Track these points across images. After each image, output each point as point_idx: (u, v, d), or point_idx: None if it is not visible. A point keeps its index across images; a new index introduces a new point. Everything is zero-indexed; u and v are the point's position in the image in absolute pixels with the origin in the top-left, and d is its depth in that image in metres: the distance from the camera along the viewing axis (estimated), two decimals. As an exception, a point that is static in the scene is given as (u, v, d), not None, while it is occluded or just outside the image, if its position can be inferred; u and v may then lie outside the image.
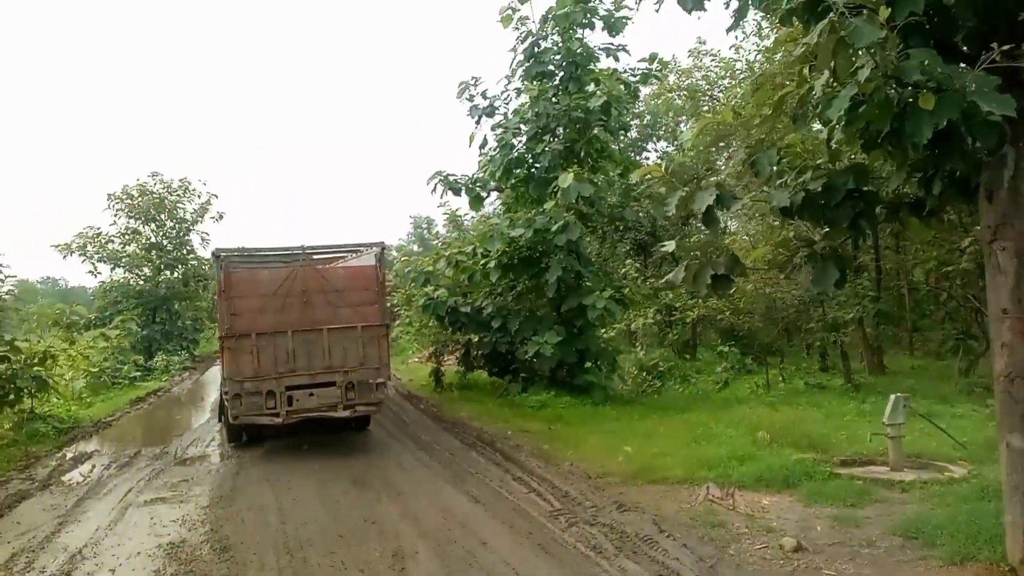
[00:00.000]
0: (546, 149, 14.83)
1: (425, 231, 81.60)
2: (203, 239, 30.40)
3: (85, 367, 18.73)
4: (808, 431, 10.50)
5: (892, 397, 8.53)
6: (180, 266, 29.59)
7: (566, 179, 13.46)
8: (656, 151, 30.85)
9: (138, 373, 21.12)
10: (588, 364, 15.56)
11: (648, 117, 31.02)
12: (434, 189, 16.47)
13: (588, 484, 8.50)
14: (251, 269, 11.60)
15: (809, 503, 7.40)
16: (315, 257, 11.75)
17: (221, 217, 30.51)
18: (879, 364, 19.68)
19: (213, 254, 11.21)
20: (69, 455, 11.38)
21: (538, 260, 15.39)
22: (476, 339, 16.71)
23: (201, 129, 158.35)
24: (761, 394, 17.57)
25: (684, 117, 29.83)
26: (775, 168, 5.32)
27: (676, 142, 29.78)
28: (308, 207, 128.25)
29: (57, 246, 26.94)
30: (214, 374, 23.14)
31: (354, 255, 12.17)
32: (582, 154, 15.41)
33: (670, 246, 6.28)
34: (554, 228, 13.94)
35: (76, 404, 16.23)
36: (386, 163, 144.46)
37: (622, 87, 15.43)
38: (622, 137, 18.43)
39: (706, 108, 27.13)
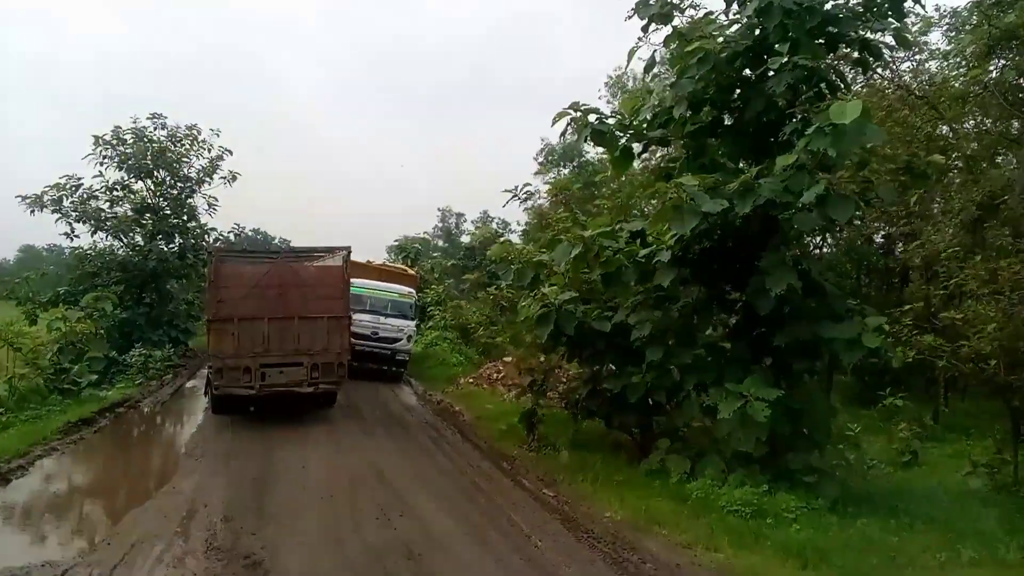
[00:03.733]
0: (782, 68, 8.66)
1: (453, 225, 76.27)
2: (210, 204, 24.41)
3: (16, 366, 12.81)
4: None
5: None
6: (178, 235, 23.62)
7: (843, 111, 7.38)
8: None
9: (95, 376, 15.07)
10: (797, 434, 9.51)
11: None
12: (563, 133, 10.53)
13: None
14: (237, 263, 13.15)
15: None
16: (291, 257, 13.99)
17: (234, 179, 24.38)
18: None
19: (206, 250, 14.64)
20: None
21: (735, 255, 9.39)
22: (610, 372, 10.68)
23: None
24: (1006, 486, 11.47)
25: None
26: None
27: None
28: (327, 198, 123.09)
29: (25, 197, 21.06)
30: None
31: (327, 256, 13.67)
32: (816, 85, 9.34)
33: None
34: (805, 198, 7.88)
35: (-23, 429, 10.34)
36: (412, 156, 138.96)
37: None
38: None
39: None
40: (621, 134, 10.36)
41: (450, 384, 20.58)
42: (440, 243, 69.47)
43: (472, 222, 73.80)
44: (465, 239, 71.87)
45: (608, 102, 31.56)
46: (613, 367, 10.55)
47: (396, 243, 54.79)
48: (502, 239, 11.44)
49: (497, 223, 67.95)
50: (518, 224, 51.20)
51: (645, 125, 10.38)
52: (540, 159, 40.94)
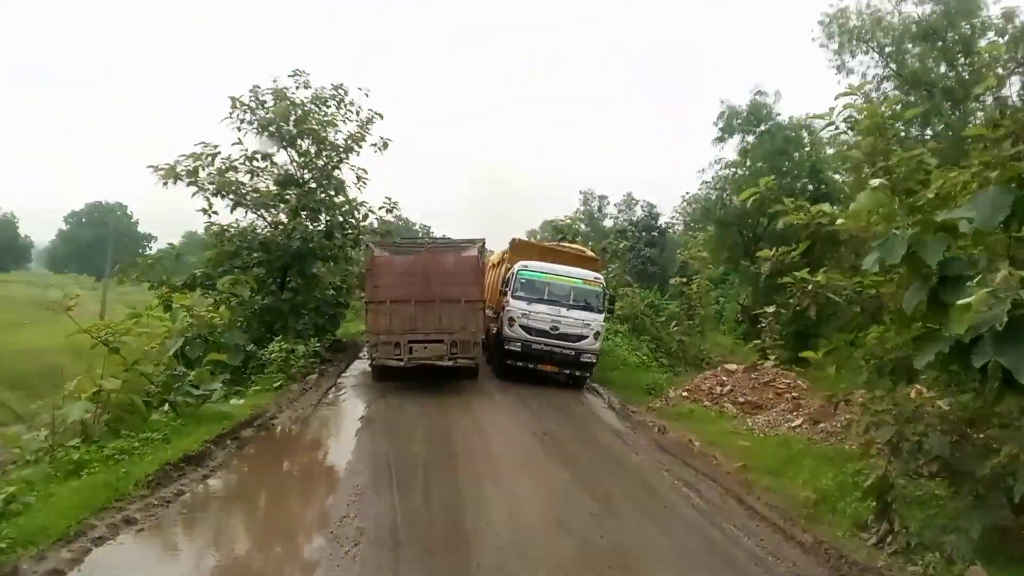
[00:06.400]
0: None
1: (595, 208, 71.47)
2: (359, 177, 20.93)
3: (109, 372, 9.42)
4: None
5: None
6: (324, 212, 20.35)
7: None
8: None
9: (218, 385, 11.64)
10: None
11: None
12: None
13: None
14: (389, 253, 14.91)
15: None
16: (434, 247, 16.11)
17: (385, 146, 20.71)
18: None
19: (365, 244, 16.00)
20: None
21: None
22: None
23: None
24: None
25: None
26: None
27: None
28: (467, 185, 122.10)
29: (156, 168, 18.42)
30: (366, 379, 15.73)
31: (464, 247, 15.11)
32: None
33: None
34: None
35: (29, 486, 6.85)
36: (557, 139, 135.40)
37: None
38: None
39: None
40: None
41: (651, 396, 16.01)
42: (583, 227, 65.08)
43: (615, 205, 69.46)
44: (608, 223, 67.38)
45: (822, 44, 25.70)
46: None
47: (549, 223, 50.94)
48: (873, 183, 6.43)
49: (642, 205, 62.96)
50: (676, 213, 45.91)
51: None
52: (720, 124, 35.26)
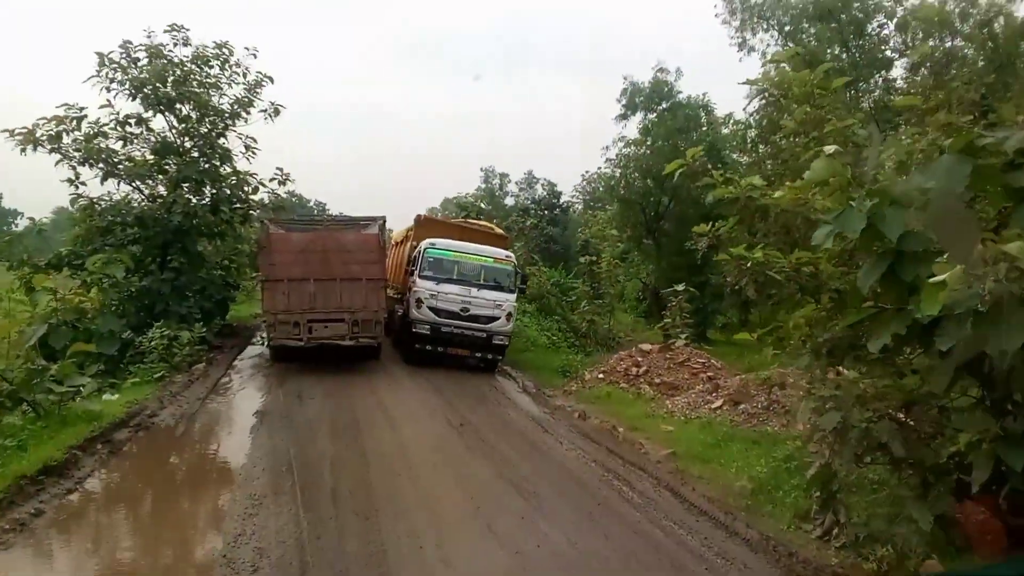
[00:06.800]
0: None
1: (497, 187, 70.87)
2: (247, 146, 19.23)
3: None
4: None
5: None
6: (209, 184, 18.55)
7: None
8: None
9: (89, 379, 9.97)
10: None
11: None
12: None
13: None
14: (286, 230, 14.70)
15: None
16: (333, 225, 15.85)
17: (276, 113, 19.04)
18: None
19: (259, 220, 15.97)
20: None
21: None
22: None
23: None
24: None
25: None
26: None
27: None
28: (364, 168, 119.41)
29: (12, 132, 16.16)
30: (260, 366, 14.94)
31: (365, 225, 14.98)
32: None
33: None
34: None
35: None
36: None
37: None
38: None
39: None
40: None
41: (566, 378, 15.58)
42: (483, 205, 64.52)
43: (516, 183, 69.05)
44: (510, 201, 66.99)
45: (724, 21, 25.97)
46: None
47: (451, 200, 49.65)
48: (828, 150, 6.02)
49: (543, 183, 62.79)
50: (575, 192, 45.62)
51: None
52: (623, 101, 35.30)
